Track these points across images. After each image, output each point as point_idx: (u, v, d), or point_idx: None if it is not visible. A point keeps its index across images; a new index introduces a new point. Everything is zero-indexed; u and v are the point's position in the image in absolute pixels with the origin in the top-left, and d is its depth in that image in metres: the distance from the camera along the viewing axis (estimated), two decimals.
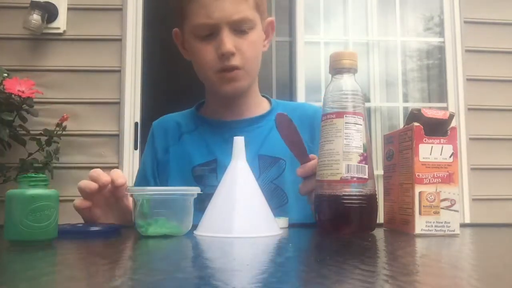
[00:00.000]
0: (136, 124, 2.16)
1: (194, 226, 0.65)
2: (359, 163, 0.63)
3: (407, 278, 0.36)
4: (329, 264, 0.42)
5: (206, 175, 0.92)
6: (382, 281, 0.34)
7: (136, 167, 2.06)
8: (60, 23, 2.13)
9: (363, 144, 0.64)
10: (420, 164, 0.64)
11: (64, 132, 1.95)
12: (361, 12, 2.57)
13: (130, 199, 0.70)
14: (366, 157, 0.64)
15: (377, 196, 0.66)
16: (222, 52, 0.85)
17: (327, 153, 0.65)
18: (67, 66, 2.14)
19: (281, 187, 0.91)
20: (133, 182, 1.04)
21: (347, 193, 0.63)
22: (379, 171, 1.24)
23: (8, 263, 0.46)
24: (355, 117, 0.64)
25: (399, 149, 0.69)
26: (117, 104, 2.14)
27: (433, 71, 2.57)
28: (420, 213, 0.63)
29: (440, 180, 0.64)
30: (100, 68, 2.15)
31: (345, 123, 0.64)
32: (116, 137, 2.12)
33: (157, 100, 2.51)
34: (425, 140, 0.64)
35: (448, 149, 0.65)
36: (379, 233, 0.67)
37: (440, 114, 0.66)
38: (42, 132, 1.91)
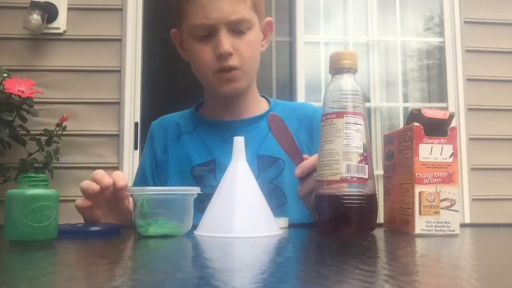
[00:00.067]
0: (136, 124, 2.16)
1: (194, 226, 0.65)
2: (359, 163, 0.63)
3: (407, 278, 0.36)
4: (329, 264, 0.42)
5: (205, 175, 0.92)
6: (382, 281, 0.34)
7: (136, 167, 2.05)
8: (60, 23, 2.13)
9: (363, 144, 0.64)
10: (420, 164, 0.64)
11: (64, 132, 1.95)
12: (361, 12, 2.57)
13: (131, 199, 0.70)
14: (366, 157, 0.64)
15: (377, 196, 0.66)
16: (220, 53, 0.85)
17: (327, 153, 0.65)
18: (67, 66, 2.14)
19: (280, 187, 0.91)
20: (133, 182, 1.04)
21: (347, 193, 0.63)
22: (379, 171, 1.25)
23: (8, 263, 0.46)
24: (355, 117, 0.64)
25: (399, 149, 0.69)
26: (117, 104, 2.14)
27: (433, 71, 2.57)
28: (420, 213, 0.63)
29: (440, 180, 0.64)
30: (100, 68, 2.15)
31: (345, 123, 0.64)
32: (116, 137, 2.12)
33: (157, 100, 2.51)
34: (425, 140, 0.64)
35: (448, 149, 0.65)
36: (379, 233, 0.67)
37: (440, 114, 0.66)
38: (42, 132, 1.91)
